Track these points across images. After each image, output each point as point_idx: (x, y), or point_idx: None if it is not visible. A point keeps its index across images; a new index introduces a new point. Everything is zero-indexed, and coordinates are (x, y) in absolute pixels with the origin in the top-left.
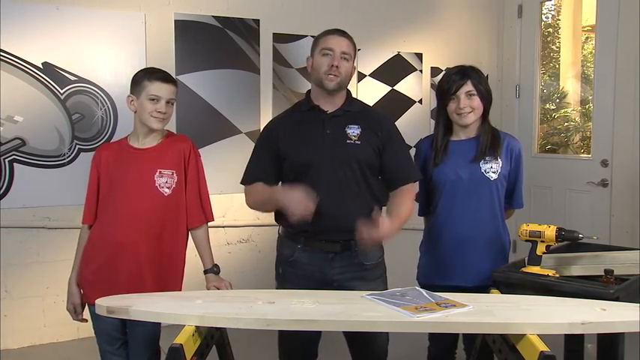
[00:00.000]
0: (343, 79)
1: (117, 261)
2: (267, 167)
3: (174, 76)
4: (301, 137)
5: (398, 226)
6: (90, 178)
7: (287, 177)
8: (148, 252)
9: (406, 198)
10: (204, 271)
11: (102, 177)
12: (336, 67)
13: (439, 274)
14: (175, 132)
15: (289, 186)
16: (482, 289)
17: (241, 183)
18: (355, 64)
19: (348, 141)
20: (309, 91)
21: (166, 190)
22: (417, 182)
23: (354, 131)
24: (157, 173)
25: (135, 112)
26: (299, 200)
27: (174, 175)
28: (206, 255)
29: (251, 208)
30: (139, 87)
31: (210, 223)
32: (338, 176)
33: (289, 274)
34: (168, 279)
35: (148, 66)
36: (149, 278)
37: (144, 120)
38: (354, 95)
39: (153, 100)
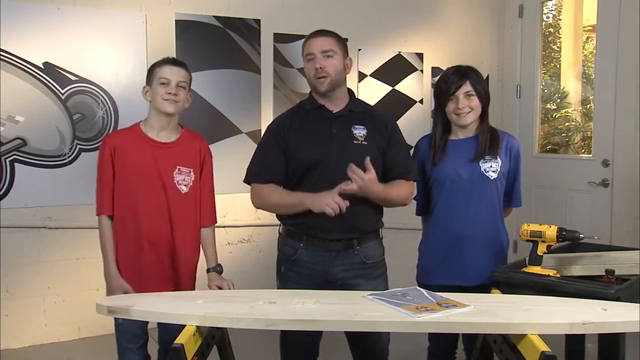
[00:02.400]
0: (333, 77)
1: (143, 259)
2: (278, 167)
3: None
4: (308, 136)
5: (379, 190)
6: (103, 167)
7: (294, 175)
8: (168, 250)
9: (402, 186)
10: (207, 270)
11: (117, 165)
12: (321, 68)
13: (438, 274)
14: None
15: (314, 191)
16: (482, 288)
17: (248, 182)
18: (350, 56)
19: (354, 141)
20: None
21: (184, 187)
22: (415, 183)
23: (360, 132)
24: (176, 170)
25: (150, 101)
26: (333, 198)
27: (192, 173)
28: (211, 254)
29: (259, 208)
30: (151, 76)
31: None
32: (344, 176)
33: (291, 272)
34: (184, 279)
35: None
36: (172, 278)
37: (157, 106)
38: (355, 95)
39: (163, 83)
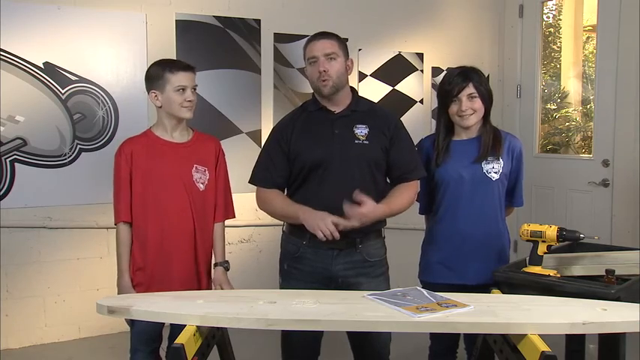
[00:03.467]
0: (335, 80)
1: (170, 258)
2: (282, 170)
3: None
4: (311, 137)
5: (382, 212)
6: (121, 174)
7: (297, 176)
8: (192, 248)
9: (404, 192)
10: (215, 264)
11: (135, 171)
12: (324, 71)
13: (440, 273)
14: None
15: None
16: (483, 287)
17: (253, 183)
18: (350, 57)
19: (356, 141)
20: None
21: (201, 185)
22: (419, 181)
23: (361, 131)
24: (194, 168)
25: (160, 106)
26: (326, 223)
27: (207, 172)
28: (220, 248)
29: (263, 211)
30: (160, 81)
31: None
32: (346, 175)
33: (294, 269)
34: (203, 276)
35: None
36: (195, 275)
37: (174, 112)
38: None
39: (179, 90)
